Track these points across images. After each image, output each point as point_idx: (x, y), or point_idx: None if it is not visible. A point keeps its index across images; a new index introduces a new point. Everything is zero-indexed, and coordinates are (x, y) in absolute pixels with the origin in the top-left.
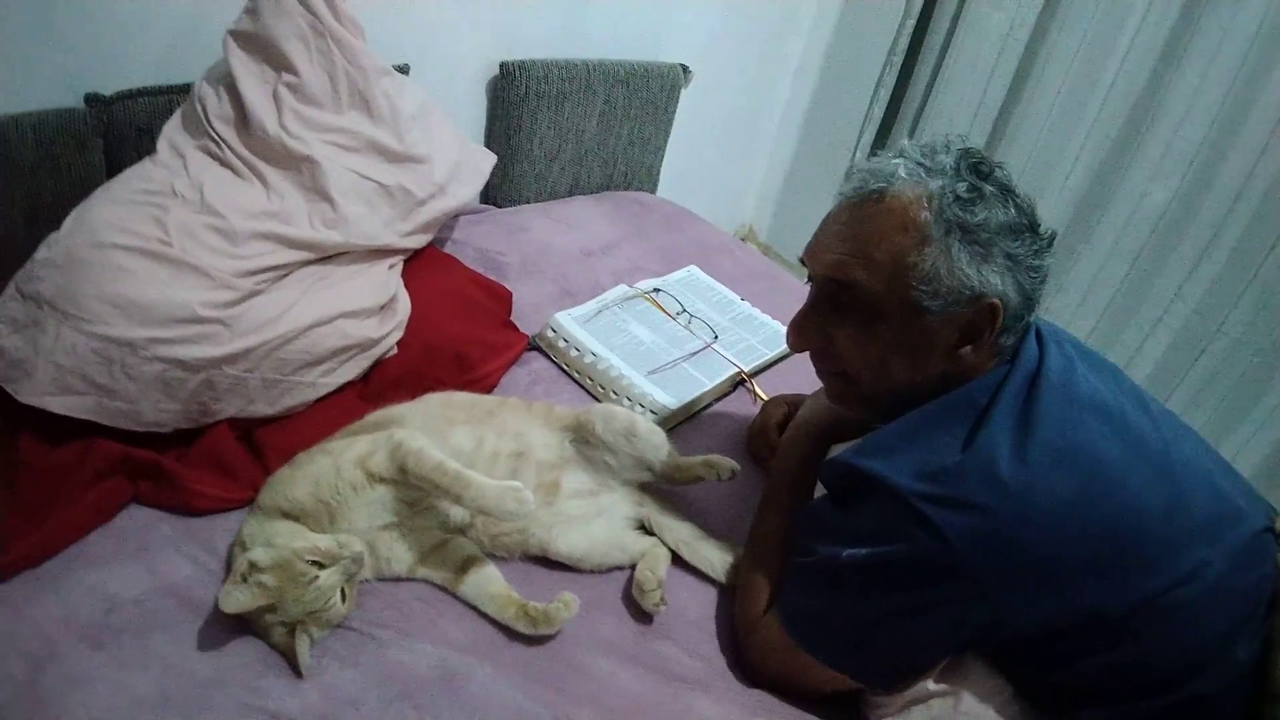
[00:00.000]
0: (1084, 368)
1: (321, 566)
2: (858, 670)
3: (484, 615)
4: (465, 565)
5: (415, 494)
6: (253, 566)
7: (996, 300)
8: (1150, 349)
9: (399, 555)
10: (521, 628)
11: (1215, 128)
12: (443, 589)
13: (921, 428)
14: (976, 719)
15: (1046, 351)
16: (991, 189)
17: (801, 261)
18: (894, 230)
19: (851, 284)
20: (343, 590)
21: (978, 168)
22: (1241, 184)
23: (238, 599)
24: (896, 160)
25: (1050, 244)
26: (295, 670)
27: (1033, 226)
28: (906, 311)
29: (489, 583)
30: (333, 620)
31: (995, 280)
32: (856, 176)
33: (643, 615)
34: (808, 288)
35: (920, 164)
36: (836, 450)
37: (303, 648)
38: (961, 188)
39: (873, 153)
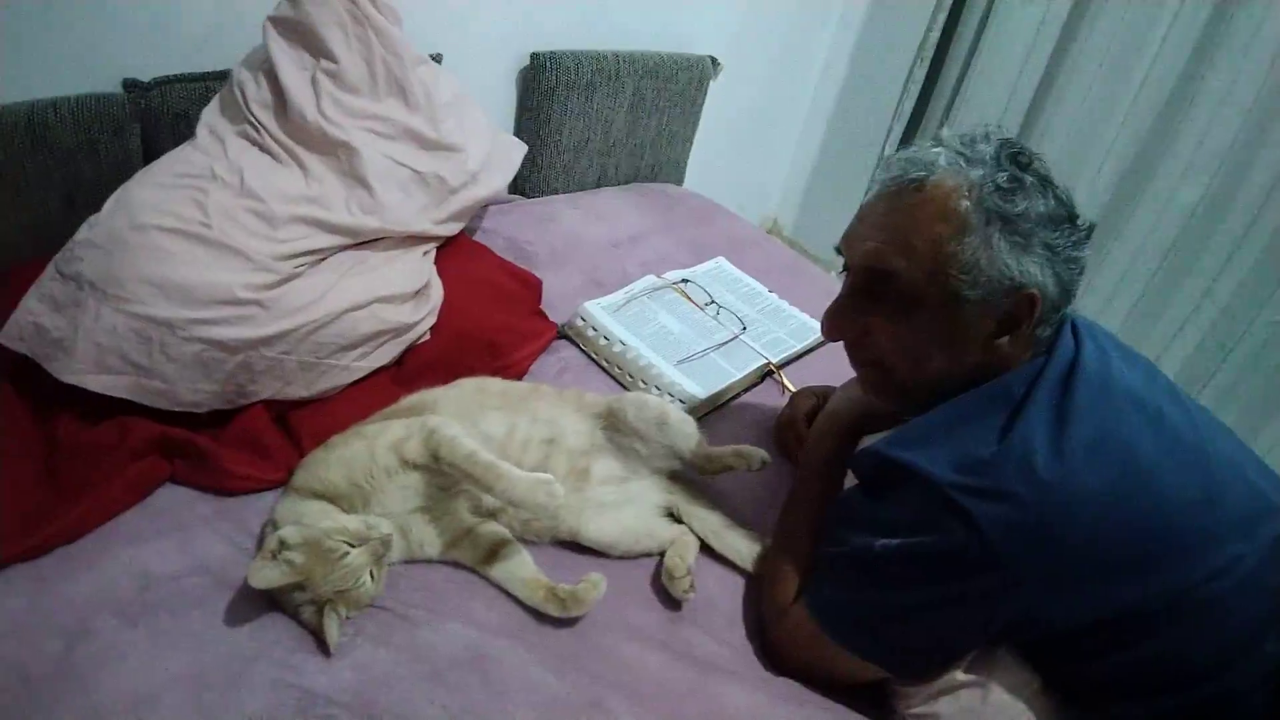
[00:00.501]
0: (1119, 361)
1: (350, 546)
2: (886, 660)
3: (514, 598)
4: (496, 549)
5: (447, 480)
6: (282, 544)
7: (1035, 291)
8: (1178, 348)
9: (430, 538)
10: (551, 610)
11: (1247, 125)
12: (473, 571)
13: (957, 419)
14: (1005, 710)
15: (1082, 345)
16: (1032, 179)
17: (838, 250)
18: (934, 219)
19: (890, 272)
20: (371, 572)
21: (1017, 158)
22: (1273, 182)
23: (266, 575)
24: (936, 149)
25: (1089, 235)
26: (324, 649)
27: (1071, 217)
28: (945, 301)
29: (519, 567)
30: (361, 600)
31: (1035, 271)
32: (895, 165)
33: (672, 602)
34: (840, 279)
35: (960, 153)
36: (867, 442)
37: (331, 626)
38: (1002, 178)
39: (902, 146)
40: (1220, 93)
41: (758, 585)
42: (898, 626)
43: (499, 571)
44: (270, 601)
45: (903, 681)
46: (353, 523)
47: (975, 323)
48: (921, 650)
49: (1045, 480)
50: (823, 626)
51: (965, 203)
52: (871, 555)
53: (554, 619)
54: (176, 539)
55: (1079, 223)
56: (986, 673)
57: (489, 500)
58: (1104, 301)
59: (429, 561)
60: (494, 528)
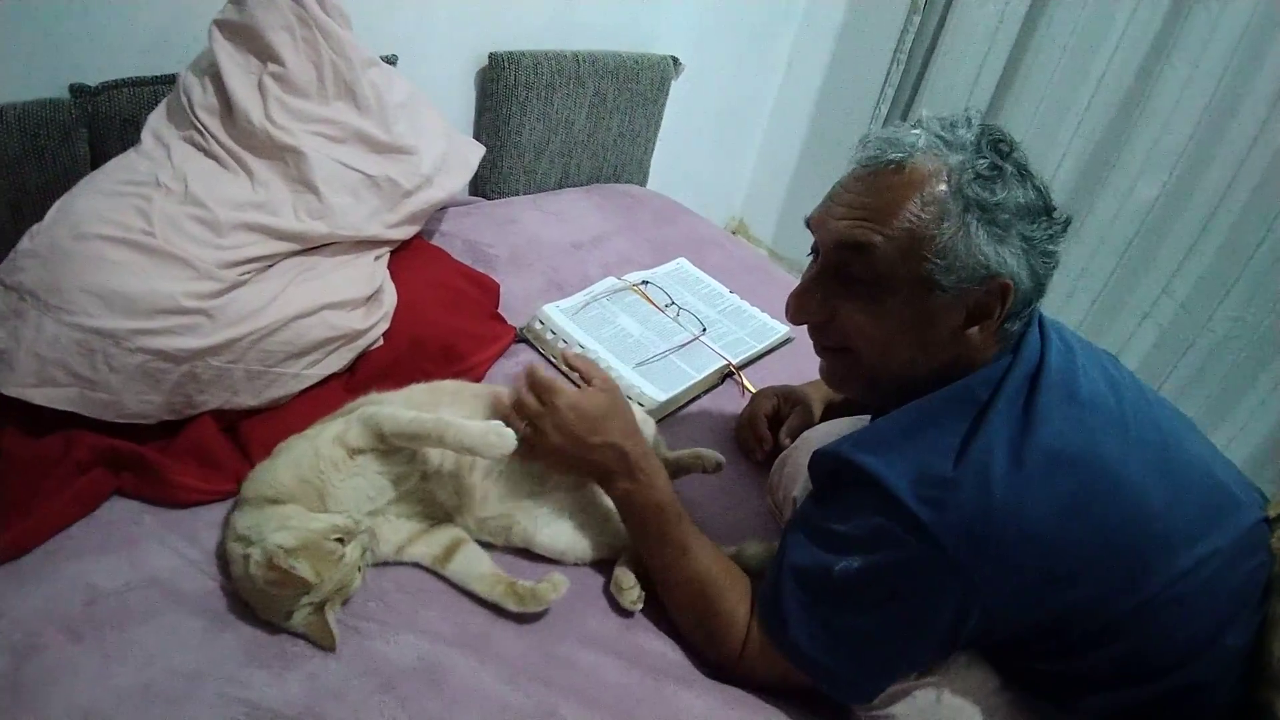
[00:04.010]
0: (1085, 361)
1: (341, 543)
2: (854, 689)
3: (471, 596)
4: (453, 547)
5: (400, 467)
6: (283, 551)
7: (1009, 280)
8: (1137, 344)
9: (385, 537)
10: (510, 605)
11: (1204, 123)
12: (430, 571)
13: (919, 424)
14: (960, 711)
15: (1048, 344)
16: (1011, 168)
17: (807, 224)
18: (912, 201)
19: (866, 247)
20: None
21: (998, 145)
22: (1230, 179)
23: (304, 569)
24: (916, 131)
25: (1065, 229)
26: (324, 647)
27: (1048, 210)
28: (918, 286)
29: (477, 563)
30: (350, 594)
31: (1011, 261)
32: (873, 144)
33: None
34: (808, 262)
35: (940, 136)
36: (812, 438)
37: (332, 622)
38: (982, 164)
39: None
40: (1178, 89)
41: None
42: (864, 650)
43: (457, 567)
44: (227, 612)
45: None
46: (339, 518)
47: (946, 311)
48: (886, 671)
49: (1002, 490)
50: (790, 661)
51: (943, 187)
52: (833, 581)
53: (508, 627)
54: (124, 553)
55: (1055, 215)
56: (941, 673)
57: (439, 459)
58: (1064, 297)
59: (385, 564)
60: (450, 529)
